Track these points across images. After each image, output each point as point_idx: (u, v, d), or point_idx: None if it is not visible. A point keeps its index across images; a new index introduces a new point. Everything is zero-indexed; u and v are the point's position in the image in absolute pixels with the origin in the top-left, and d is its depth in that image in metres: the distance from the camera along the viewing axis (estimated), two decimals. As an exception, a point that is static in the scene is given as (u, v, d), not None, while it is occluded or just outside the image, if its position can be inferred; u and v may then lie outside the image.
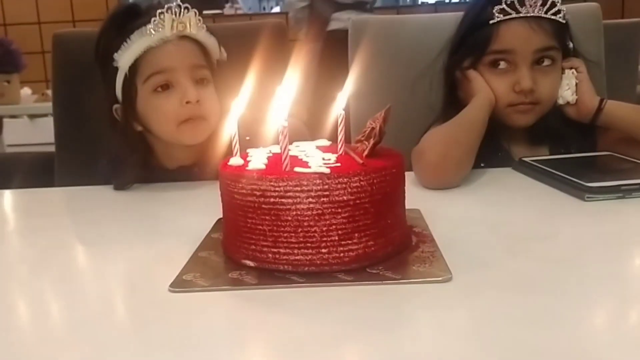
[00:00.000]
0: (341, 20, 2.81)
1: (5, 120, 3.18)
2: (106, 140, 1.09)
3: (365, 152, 0.62)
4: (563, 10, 1.01)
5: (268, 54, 1.18)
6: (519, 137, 1.07)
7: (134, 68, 1.00)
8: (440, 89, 1.14)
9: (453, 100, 1.09)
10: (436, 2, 6.07)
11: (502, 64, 1.03)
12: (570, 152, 1.04)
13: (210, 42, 1.06)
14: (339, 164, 0.58)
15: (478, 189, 0.89)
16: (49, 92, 2.64)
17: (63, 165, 1.35)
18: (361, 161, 0.59)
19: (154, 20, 0.99)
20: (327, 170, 0.56)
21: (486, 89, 1.03)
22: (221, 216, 0.72)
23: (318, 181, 0.55)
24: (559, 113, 1.04)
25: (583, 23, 1.20)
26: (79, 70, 1.34)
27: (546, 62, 1.03)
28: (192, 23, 1.02)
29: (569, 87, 1.03)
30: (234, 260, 0.61)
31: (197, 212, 0.84)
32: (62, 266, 0.66)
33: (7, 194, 1.06)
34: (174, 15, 1.00)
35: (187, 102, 0.98)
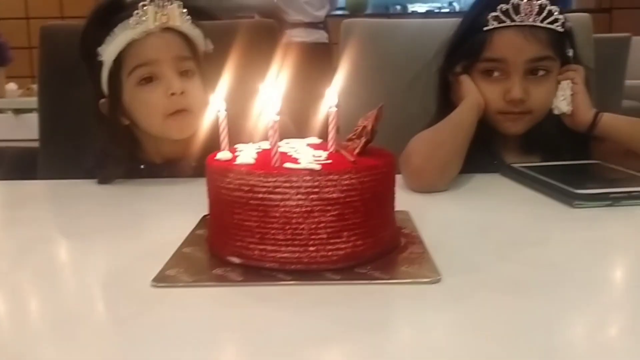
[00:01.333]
0: (298, 36, 3.04)
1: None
2: (92, 135, 1.07)
3: (357, 150, 0.60)
4: (560, 19, 1.00)
5: (256, 50, 1.17)
6: (512, 145, 1.07)
7: (118, 62, 0.99)
8: (435, 92, 1.13)
9: (446, 104, 1.08)
10: (426, 11, 6.12)
11: (496, 73, 1.02)
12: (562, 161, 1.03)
13: (195, 33, 1.05)
14: (330, 161, 0.57)
15: (466, 193, 0.89)
16: (35, 86, 2.60)
17: (46, 159, 1.33)
18: (352, 159, 0.58)
19: (137, 13, 0.98)
20: (318, 167, 0.55)
21: (475, 92, 1.02)
22: (207, 213, 0.71)
23: (308, 177, 0.54)
24: (554, 121, 1.04)
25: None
26: (66, 64, 1.31)
27: (540, 72, 1.02)
28: (176, 15, 1.01)
29: (564, 97, 1.02)
30: (219, 257, 0.59)
31: (182, 208, 0.83)
32: (43, 260, 0.65)
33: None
34: (157, 8, 0.99)
35: (172, 94, 0.97)
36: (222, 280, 0.55)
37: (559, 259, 0.61)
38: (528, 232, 0.71)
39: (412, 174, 0.89)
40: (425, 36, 1.26)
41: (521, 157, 1.05)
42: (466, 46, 1.05)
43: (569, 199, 0.79)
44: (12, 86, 2.93)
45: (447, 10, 6.23)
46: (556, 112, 1.03)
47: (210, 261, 0.60)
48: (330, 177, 0.55)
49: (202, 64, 1.06)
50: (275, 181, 0.55)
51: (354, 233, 0.56)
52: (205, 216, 0.74)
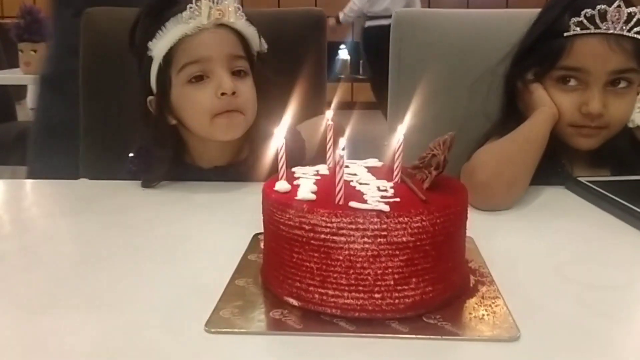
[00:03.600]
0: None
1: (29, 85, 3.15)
2: (137, 132, 1.03)
3: (426, 184, 0.55)
4: None
5: (304, 49, 1.11)
6: (580, 157, 0.99)
7: (168, 57, 0.95)
8: (499, 98, 1.05)
9: (511, 112, 1.01)
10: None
11: (572, 81, 0.94)
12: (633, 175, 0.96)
13: (250, 31, 1.00)
14: (397, 199, 0.52)
15: (533, 212, 0.83)
16: (75, 62, 2.60)
17: (89, 149, 1.31)
18: (423, 197, 0.53)
19: (190, 7, 0.93)
20: (386, 208, 0.50)
21: (550, 103, 0.94)
22: (258, 231, 0.67)
23: (376, 220, 0.50)
24: (627, 134, 0.96)
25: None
26: (108, 51, 1.29)
27: (622, 84, 0.93)
28: (231, 11, 0.96)
29: None
30: (275, 295, 0.55)
31: (232, 221, 0.80)
32: (80, 291, 0.61)
33: (28, 184, 1.02)
34: (211, 3, 0.94)
35: (223, 94, 0.92)
36: (280, 327, 0.51)
37: (646, 308, 0.55)
38: (608, 271, 0.64)
39: (477, 192, 0.82)
40: (485, 28, 1.18)
41: (589, 169, 0.97)
42: (541, 51, 0.96)
43: (645, 226, 0.72)
44: (52, 58, 2.93)
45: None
46: (631, 125, 0.94)
47: (266, 299, 0.56)
48: (400, 219, 0.50)
49: (255, 64, 1.01)
50: (339, 222, 0.50)
51: (423, 279, 0.52)
52: (257, 235, 0.70)
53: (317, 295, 0.52)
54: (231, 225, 0.78)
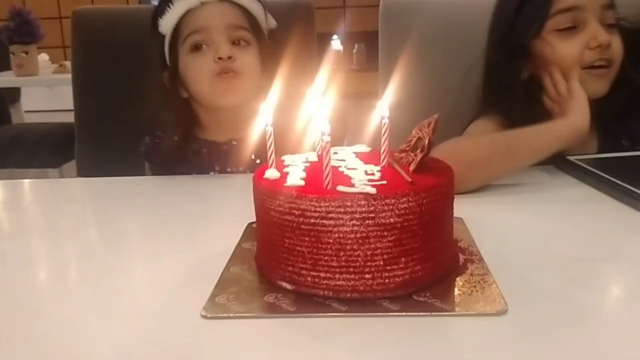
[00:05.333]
0: None
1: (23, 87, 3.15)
2: (129, 119, 1.07)
3: (412, 167, 0.57)
4: None
5: (294, 40, 1.12)
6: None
7: (175, 32, 1.01)
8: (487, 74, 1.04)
9: (502, 88, 0.99)
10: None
11: (570, 26, 0.93)
12: (620, 143, 0.97)
13: (254, 7, 1.05)
14: (384, 182, 0.54)
15: (522, 191, 0.84)
16: (67, 63, 2.60)
17: (83, 145, 1.32)
18: (409, 178, 0.54)
19: None
20: (373, 190, 0.51)
21: (583, 114, 0.88)
22: (252, 220, 0.68)
23: (363, 202, 0.51)
24: (613, 99, 0.95)
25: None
26: (99, 48, 1.30)
27: (612, 21, 0.94)
28: None
29: None
30: (269, 280, 0.57)
31: (229, 210, 0.81)
32: (81, 279, 0.63)
33: (26, 184, 1.03)
34: None
35: (219, 58, 0.98)
36: (274, 310, 0.52)
37: (631, 280, 0.57)
38: (594, 244, 0.66)
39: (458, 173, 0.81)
40: (474, 13, 1.19)
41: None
42: (529, 8, 0.96)
43: (634, 201, 0.74)
44: (43, 57, 2.93)
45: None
46: None
47: (260, 285, 0.57)
48: (387, 201, 0.51)
49: (264, 39, 1.05)
50: (328, 206, 0.51)
51: (412, 258, 0.53)
52: (251, 224, 0.72)
53: (309, 278, 0.53)
54: (225, 215, 0.79)
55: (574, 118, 0.88)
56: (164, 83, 1.04)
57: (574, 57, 0.93)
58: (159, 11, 1.02)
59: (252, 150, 1.00)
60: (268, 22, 1.07)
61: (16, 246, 0.73)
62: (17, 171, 2.64)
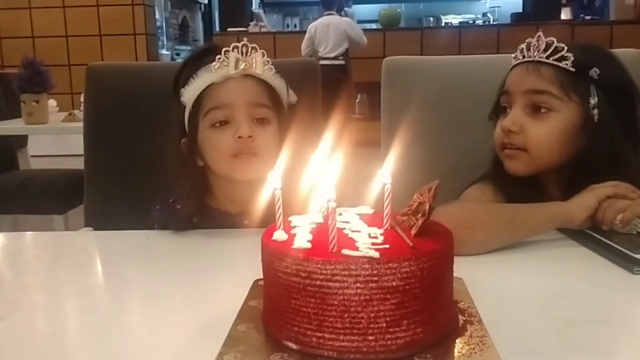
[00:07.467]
0: None
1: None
2: (162, 175, 1.08)
3: (414, 231, 0.59)
4: (570, 57, 0.96)
5: (301, 101, 1.15)
6: (554, 190, 1.01)
7: (197, 103, 1.03)
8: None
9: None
10: (460, 23, 6.08)
11: (507, 108, 1.02)
12: None
13: (277, 83, 1.06)
14: (387, 246, 0.56)
15: (521, 252, 0.86)
16: (77, 112, 2.65)
17: (92, 196, 1.35)
18: (411, 243, 0.57)
19: (219, 58, 1.01)
20: (377, 255, 0.54)
21: (581, 209, 0.89)
22: (258, 277, 0.70)
23: (367, 266, 0.53)
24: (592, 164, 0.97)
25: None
26: (111, 103, 1.34)
27: (543, 110, 0.98)
28: (258, 62, 1.03)
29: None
30: (275, 340, 0.59)
31: (237, 267, 0.83)
32: (85, 337, 0.64)
33: (35, 236, 1.05)
34: (239, 54, 1.01)
35: (239, 137, 0.99)
36: (280, 370, 0.54)
37: (627, 344, 0.59)
38: (590, 306, 0.68)
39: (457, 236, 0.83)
40: (474, 73, 1.24)
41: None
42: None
43: (629, 264, 0.76)
44: (52, 102, 2.98)
45: (480, 21, 6.19)
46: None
47: (267, 344, 0.59)
48: (390, 265, 0.53)
49: (284, 115, 1.07)
50: (333, 269, 0.54)
51: (413, 321, 0.55)
52: (257, 281, 0.74)
53: (314, 339, 0.55)
54: (232, 270, 0.81)
55: (573, 209, 0.90)
56: (181, 150, 1.06)
57: (496, 138, 1.03)
58: (183, 79, 1.04)
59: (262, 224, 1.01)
60: (289, 97, 1.09)
61: (18, 301, 0.75)
62: (21, 217, 2.67)
